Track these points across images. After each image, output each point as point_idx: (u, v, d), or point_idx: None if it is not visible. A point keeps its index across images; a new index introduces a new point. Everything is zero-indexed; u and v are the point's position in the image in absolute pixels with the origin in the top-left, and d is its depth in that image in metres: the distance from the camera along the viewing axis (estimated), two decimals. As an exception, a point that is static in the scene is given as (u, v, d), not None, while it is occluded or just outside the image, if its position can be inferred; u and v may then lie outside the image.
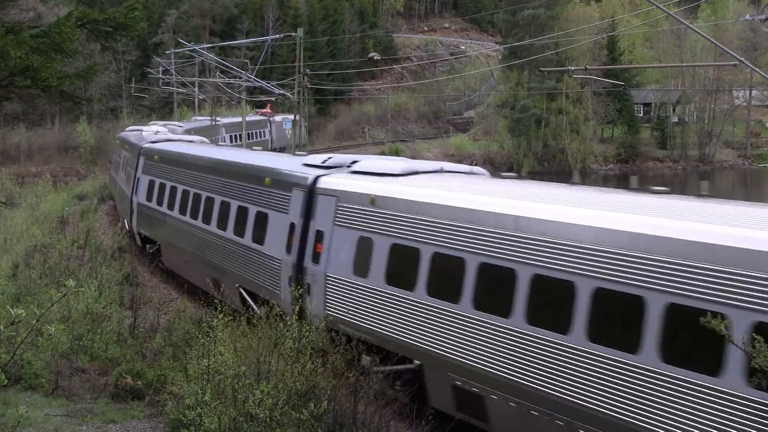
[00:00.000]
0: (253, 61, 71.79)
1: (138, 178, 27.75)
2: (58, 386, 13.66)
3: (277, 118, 72.63)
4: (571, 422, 10.20)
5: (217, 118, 61.53)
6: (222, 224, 19.63)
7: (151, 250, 26.86)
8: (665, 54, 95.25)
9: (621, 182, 73.05)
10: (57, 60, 12.47)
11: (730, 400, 8.51)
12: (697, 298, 8.95)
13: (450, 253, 12.29)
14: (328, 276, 14.85)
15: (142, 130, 35.60)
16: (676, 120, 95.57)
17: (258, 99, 77.61)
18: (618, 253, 9.80)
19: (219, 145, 31.08)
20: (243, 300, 17.99)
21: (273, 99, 71.67)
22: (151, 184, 26.16)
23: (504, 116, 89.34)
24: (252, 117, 69.69)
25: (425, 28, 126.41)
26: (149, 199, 26.09)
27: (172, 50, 71.30)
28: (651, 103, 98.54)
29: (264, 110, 75.45)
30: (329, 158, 17.30)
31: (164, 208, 24.39)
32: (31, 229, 30.67)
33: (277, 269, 16.42)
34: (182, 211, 22.66)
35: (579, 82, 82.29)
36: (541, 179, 16.83)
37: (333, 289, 14.73)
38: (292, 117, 71.96)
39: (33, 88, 12.13)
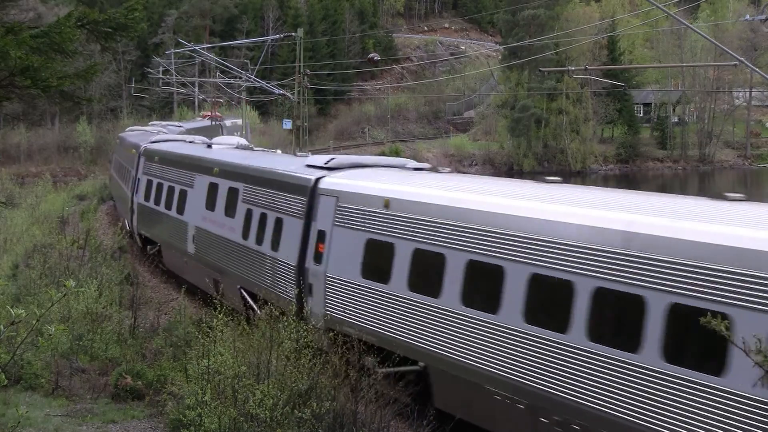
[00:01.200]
0: (253, 62, 71.81)
1: (323, 233, 15.88)
2: (58, 386, 13.65)
3: (227, 122, 64.82)
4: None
5: (182, 123, 58.69)
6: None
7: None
8: (665, 54, 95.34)
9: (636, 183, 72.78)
10: (57, 60, 12.47)
11: None
12: None
13: None
14: None
15: (208, 144, 28.21)
16: (676, 120, 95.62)
17: (258, 99, 77.60)
18: None
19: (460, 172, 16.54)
20: None
21: (221, 99, 67.12)
22: (376, 247, 14.38)
23: (504, 116, 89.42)
24: (200, 121, 62.38)
25: (425, 28, 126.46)
26: (372, 275, 14.28)
27: (172, 50, 71.36)
28: (651, 103, 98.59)
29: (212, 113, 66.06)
30: None
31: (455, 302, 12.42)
32: (31, 229, 30.62)
33: None
34: (490, 307, 11.77)
35: (579, 82, 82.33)
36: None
37: None
38: (240, 120, 70.71)
39: (33, 88, 12.12)
